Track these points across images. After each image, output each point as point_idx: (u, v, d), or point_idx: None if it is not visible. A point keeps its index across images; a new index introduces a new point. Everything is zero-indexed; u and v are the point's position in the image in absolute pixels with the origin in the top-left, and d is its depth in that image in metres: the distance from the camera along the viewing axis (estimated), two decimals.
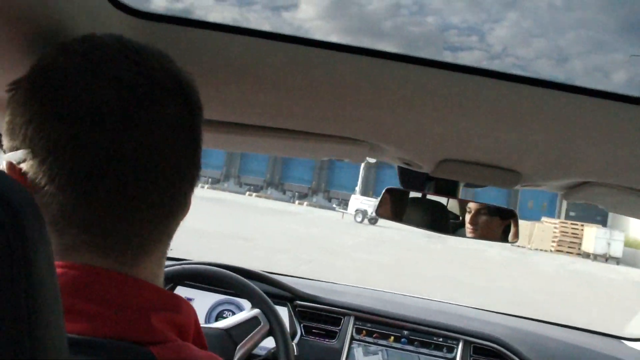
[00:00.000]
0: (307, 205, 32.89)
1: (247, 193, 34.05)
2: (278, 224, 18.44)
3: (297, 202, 33.91)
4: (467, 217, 1.46)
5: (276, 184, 35.70)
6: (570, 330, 2.31)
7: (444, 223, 1.46)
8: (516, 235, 1.42)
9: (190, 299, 1.90)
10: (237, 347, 1.38)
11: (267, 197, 33.59)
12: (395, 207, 1.46)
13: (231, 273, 1.58)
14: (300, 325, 1.89)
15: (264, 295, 1.51)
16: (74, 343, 0.49)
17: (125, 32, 0.61)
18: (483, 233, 1.47)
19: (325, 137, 1.15)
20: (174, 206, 0.60)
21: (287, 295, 1.90)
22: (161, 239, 0.61)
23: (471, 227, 1.46)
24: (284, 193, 35.54)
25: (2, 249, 0.35)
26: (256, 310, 1.49)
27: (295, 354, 1.47)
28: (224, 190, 33.45)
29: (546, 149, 1.02)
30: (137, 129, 0.54)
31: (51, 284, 0.39)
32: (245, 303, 1.89)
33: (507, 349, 1.84)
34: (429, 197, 1.44)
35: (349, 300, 1.95)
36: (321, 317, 1.92)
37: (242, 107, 1.04)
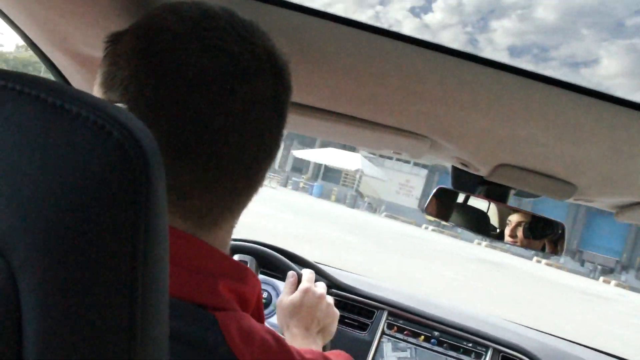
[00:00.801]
0: (615, 285, 24.57)
1: (535, 259, 26.74)
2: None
3: (601, 278, 26.13)
4: (512, 224, 1.47)
5: (573, 251, 28.91)
6: (600, 355, 2.29)
7: (488, 227, 1.47)
8: (562, 249, 1.42)
9: None
10: None
11: (558, 267, 26.52)
12: (444, 208, 1.47)
13: (277, 254, 1.63)
14: None
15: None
16: None
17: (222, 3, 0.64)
18: (526, 243, 1.48)
19: (388, 128, 1.17)
20: (253, 181, 0.61)
21: (325, 282, 1.93)
22: (237, 210, 0.63)
23: (513, 235, 1.46)
24: (582, 264, 28.42)
25: (128, 189, 0.34)
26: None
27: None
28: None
29: (605, 164, 1.03)
30: (234, 101, 0.56)
31: (164, 236, 0.38)
32: (280, 284, 1.93)
33: None
34: (475, 199, 1.46)
35: (384, 295, 1.97)
36: (355, 308, 1.95)
37: (311, 89, 1.07)
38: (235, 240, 1.71)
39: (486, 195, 1.44)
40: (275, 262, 1.58)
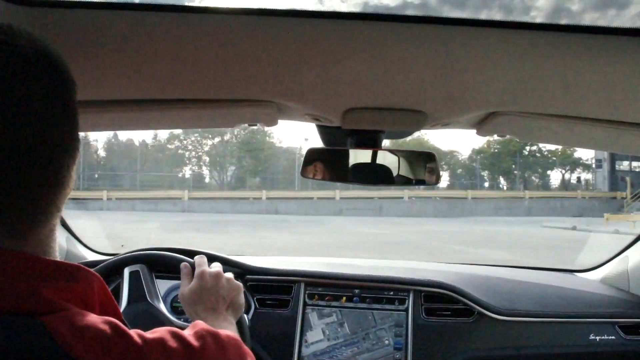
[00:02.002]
0: None
1: None
2: None
3: None
4: (394, 165, 1.50)
5: None
6: (521, 270, 2.39)
7: (371, 175, 1.50)
8: (439, 177, 1.47)
9: None
10: None
11: None
12: (320, 167, 1.49)
13: (165, 253, 1.60)
14: (253, 298, 1.91)
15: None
16: None
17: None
18: (409, 178, 1.52)
19: (230, 102, 1.17)
20: (60, 179, 0.61)
21: (237, 270, 1.92)
22: (51, 212, 0.62)
23: (400, 174, 1.50)
24: None
25: None
26: None
27: (248, 324, 1.49)
28: None
29: (444, 84, 1.06)
30: (11, 106, 0.55)
31: None
32: None
33: (456, 292, 1.90)
34: (353, 151, 1.48)
35: (298, 268, 1.98)
36: (273, 288, 1.95)
37: (141, 82, 1.05)
38: (125, 253, 1.67)
39: (357, 144, 1.46)
40: (165, 262, 1.55)
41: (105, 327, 0.57)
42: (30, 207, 0.59)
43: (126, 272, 1.52)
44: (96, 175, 34.76)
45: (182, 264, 1.31)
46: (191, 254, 1.81)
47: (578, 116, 1.23)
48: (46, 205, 0.61)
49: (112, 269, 1.59)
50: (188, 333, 0.65)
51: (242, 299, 1.24)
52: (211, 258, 1.88)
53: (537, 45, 0.87)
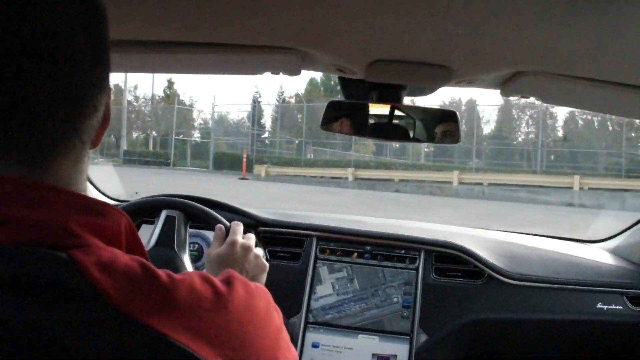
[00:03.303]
0: None
1: None
2: None
3: None
4: (412, 120, 1.49)
5: None
6: (533, 237, 2.39)
7: (390, 130, 1.49)
8: (459, 135, 1.46)
9: None
10: None
11: None
12: (338, 120, 1.48)
13: (191, 202, 1.62)
14: (265, 250, 1.93)
15: (221, 218, 1.55)
16: None
17: None
18: (429, 136, 1.51)
19: (253, 48, 1.15)
20: (81, 106, 0.60)
21: (251, 222, 1.94)
22: (72, 141, 0.61)
23: (418, 130, 1.49)
24: None
25: None
26: None
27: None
28: None
29: (472, 39, 1.04)
30: (31, 17, 0.54)
31: None
32: (211, 235, 1.93)
33: (467, 254, 1.91)
34: (373, 106, 1.47)
35: (311, 222, 1.99)
36: (285, 240, 1.97)
37: (166, 23, 1.04)
38: (164, 195, 1.69)
39: (378, 99, 1.45)
40: (203, 215, 1.57)
41: (133, 265, 0.56)
42: (48, 133, 0.58)
43: (163, 214, 1.56)
44: None
45: (218, 226, 1.33)
46: (219, 205, 1.84)
47: (606, 80, 1.21)
48: (66, 132, 0.59)
49: (149, 209, 1.63)
50: (218, 278, 0.64)
51: (264, 278, 1.26)
52: (224, 207, 1.90)
53: (570, 4, 0.85)
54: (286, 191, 18.37)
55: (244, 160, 26.01)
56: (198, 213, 1.59)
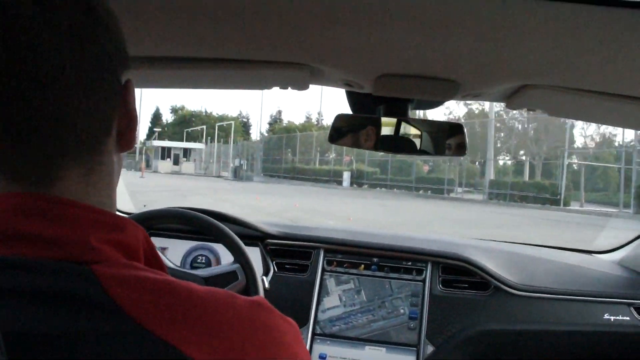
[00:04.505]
0: None
1: None
2: None
3: None
4: (419, 133, 1.50)
5: None
6: (539, 248, 2.39)
7: (398, 143, 1.50)
8: (465, 148, 1.47)
9: (163, 248, 1.94)
10: None
11: None
12: (345, 134, 1.49)
13: (200, 214, 1.63)
14: (272, 262, 1.94)
15: (231, 232, 1.56)
16: (10, 265, 0.51)
17: None
18: (437, 149, 1.52)
19: (263, 63, 1.17)
20: (79, 116, 0.57)
21: (258, 234, 1.95)
22: (75, 154, 0.59)
23: (424, 143, 1.50)
24: None
25: None
26: (235, 265, 1.54)
27: (267, 286, 1.52)
28: None
29: (479, 53, 1.05)
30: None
31: None
32: (219, 248, 1.95)
33: (474, 265, 1.91)
34: (380, 119, 1.48)
35: (318, 234, 2.00)
36: (292, 252, 1.98)
37: (174, 39, 1.05)
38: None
39: (385, 113, 1.46)
40: (198, 221, 1.58)
41: (153, 278, 0.55)
42: (45, 151, 0.56)
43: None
44: None
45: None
46: (217, 216, 1.85)
47: (614, 93, 1.22)
48: (67, 148, 0.58)
49: (157, 220, 1.64)
50: (241, 297, 0.61)
51: None
52: (230, 220, 1.91)
53: (577, 17, 0.86)
54: None
55: None
56: (207, 226, 1.60)
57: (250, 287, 1.51)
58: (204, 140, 53.03)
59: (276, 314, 0.62)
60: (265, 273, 1.90)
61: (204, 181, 34.84)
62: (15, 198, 0.56)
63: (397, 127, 1.48)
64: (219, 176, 42.08)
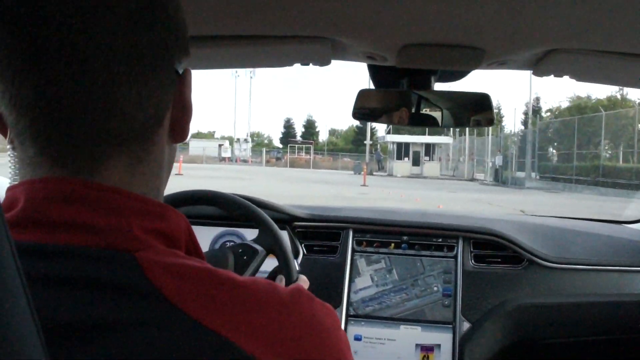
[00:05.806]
0: None
1: None
2: None
3: None
4: (444, 106, 1.47)
5: None
6: (570, 220, 2.36)
7: (423, 116, 1.48)
8: (493, 118, 1.44)
9: None
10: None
11: None
12: (369, 109, 1.47)
13: (228, 193, 1.60)
14: (301, 245, 1.93)
15: (262, 212, 1.53)
16: (52, 252, 0.51)
17: None
18: (462, 120, 1.50)
19: (284, 39, 1.15)
20: (128, 104, 0.56)
21: (286, 217, 1.94)
22: (127, 143, 0.58)
23: (450, 116, 1.48)
24: None
25: None
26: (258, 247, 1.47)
27: (298, 269, 1.50)
28: None
29: (504, 18, 1.03)
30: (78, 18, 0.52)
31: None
32: (246, 232, 1.94)
33: (505, 239, 1.89)
34: (405, 92, 1.46)
35: (345, 214, 1.99)
36: (321, 234, 1.97)
37: (193, 16, 1.05)
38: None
39: (408, 86, 1.44)
40: (227, 202, 1.49)
41: (196, 267, 0.55)
42: (86, 139, 0.55)
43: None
44: None
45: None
46: (252, 201, 1.83)
47: None
48: (112, 135, 0.57)
49: (186, 201, 1.57)
50: (281, 286, 0.60)
51: None
52: (255, 203, 1.89)
53: None
54: None
55: None
56: (240, 209, 1.53)
57: (285, 272, 1.46)
58: (450, 133, 40.08)
59: (317, 301, 0.62)
60: (295, 256, 1.88)
61: (457, 188, 23.81)
62: (60, 183, 0.55)
63: (422, 100, 1.46)
64: (472, 179, 32.82)
